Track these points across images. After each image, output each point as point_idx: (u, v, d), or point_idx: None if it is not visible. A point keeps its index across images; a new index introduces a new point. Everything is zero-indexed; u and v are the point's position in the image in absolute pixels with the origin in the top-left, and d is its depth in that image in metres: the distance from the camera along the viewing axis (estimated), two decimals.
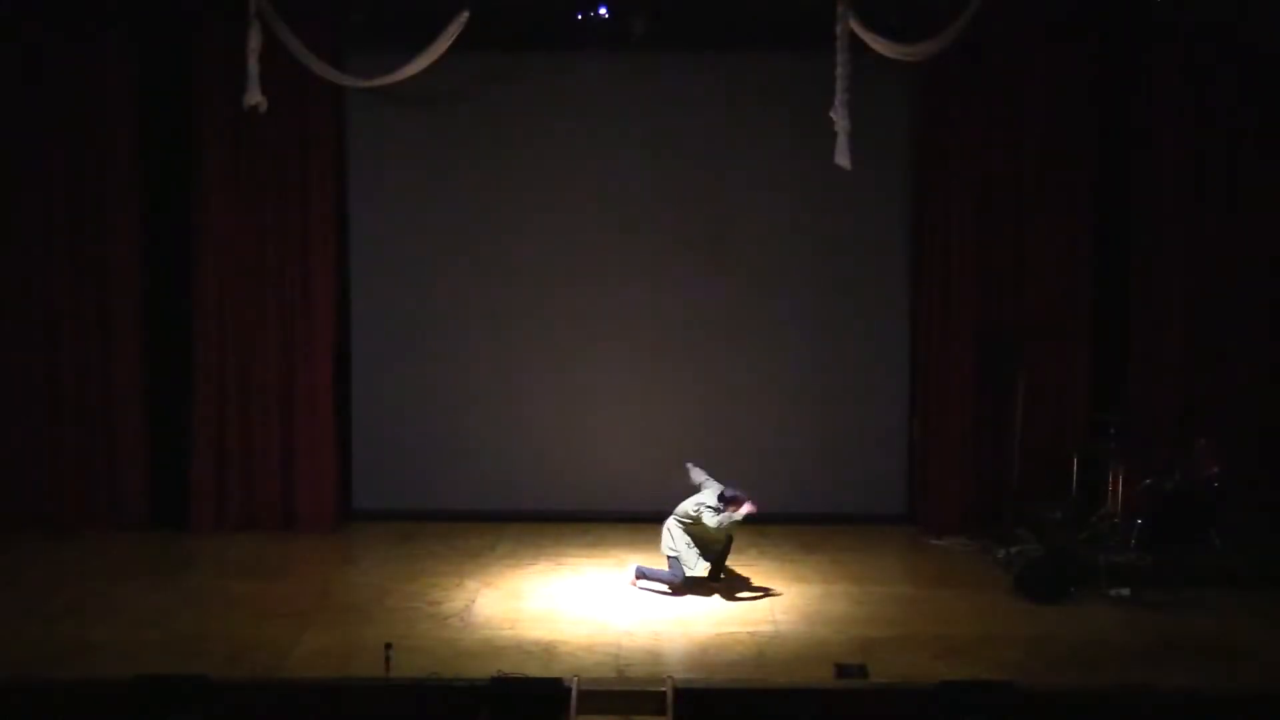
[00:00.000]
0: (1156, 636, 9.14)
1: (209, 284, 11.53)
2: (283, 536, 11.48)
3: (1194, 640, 9.07)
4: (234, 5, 10.19)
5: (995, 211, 11.54)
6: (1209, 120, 11.38)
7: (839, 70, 9.40)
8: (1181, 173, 11.45)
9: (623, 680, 8.22)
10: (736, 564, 10.39)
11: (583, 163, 11.88)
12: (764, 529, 10.98)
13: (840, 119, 9.45)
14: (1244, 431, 11.33)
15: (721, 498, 9.84)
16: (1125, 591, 9.88)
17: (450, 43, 10.20)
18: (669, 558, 9.95)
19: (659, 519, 10.09)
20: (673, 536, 9.94)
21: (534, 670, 8.20)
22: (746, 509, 9.84)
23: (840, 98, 9.43)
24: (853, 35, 9.49)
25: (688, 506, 9.92)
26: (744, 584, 10.18)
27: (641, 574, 10.06)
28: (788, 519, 11.48)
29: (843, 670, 8.18)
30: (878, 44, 9.81)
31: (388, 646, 8.14)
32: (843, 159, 9.51)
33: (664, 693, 7.67)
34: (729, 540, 10.11)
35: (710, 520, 9.79)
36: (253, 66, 9.87)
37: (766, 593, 10.02)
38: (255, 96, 9.95)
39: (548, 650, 8.77)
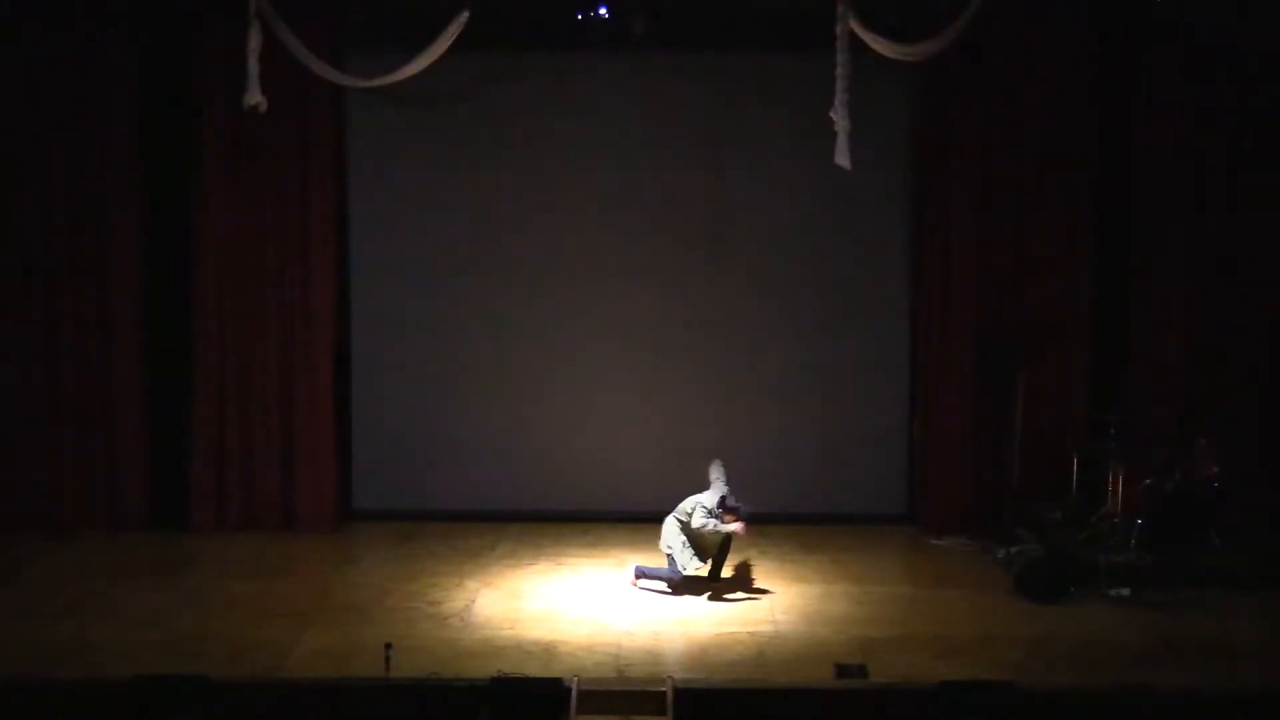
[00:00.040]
0: (1156, 636, 9.14)
1: (209, 284, 11.53)
2: (283, 536, 11.48)
3: (1194, 640, 9.07)
4: (234, 5, 10.19)
5: (995, 211, 11.54)
6: (1209, 120, 11.39)
7: (839, 70, 9.41)
8: (1181, 173, 11.45)
9: (623, 680, 8.22)
10: (736, 564, 10.38)
11: (583, 163, 11.88)
12: (764, 529, 10.96)
13: (840, 119, 9.46)
14: (1244, 431, 11.33)
15: (721, 503, 9.84)
16: (1125, 591, 9.88)
17: (450, 43, 10.20)
18: (667, 555, 9.95)
19: (659, 519, 10.09)
20: (669, 533, 9.94)
21: (534, 670, 8.20)
22: (735, 527, 9.85)
23: (840, 98, 9.43)
24: (853, 35, 9.50)
25: (686, 504, 9.93)
26: (744, 584, 10.18)
27: (641, 573, 10.07)
28: (788, 519, 11.49)
29: (843, 670, 8.18)
30: (878, 44, 9.81)
31: (388, 646, 8.14)
32: (843, 159, 9.52)
33: (664, 693, 7.67)
34: (728, 541, 10.10)
35: (697, 520, 9.81)
36: (253, 66, 9.87)
37: (766, 593, 10.01)
38: (255, 96, 9.95)
39: (548, 650, 8.77)
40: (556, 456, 12.01)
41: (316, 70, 10.53)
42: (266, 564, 10.74)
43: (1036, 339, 11.45)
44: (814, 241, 11.94)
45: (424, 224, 11.95)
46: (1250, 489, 11.03)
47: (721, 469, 10.11)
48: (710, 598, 9.88)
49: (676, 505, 10.02)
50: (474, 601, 9.81)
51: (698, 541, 9.89)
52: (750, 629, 9.25)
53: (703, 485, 10.05)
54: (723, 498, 9.88)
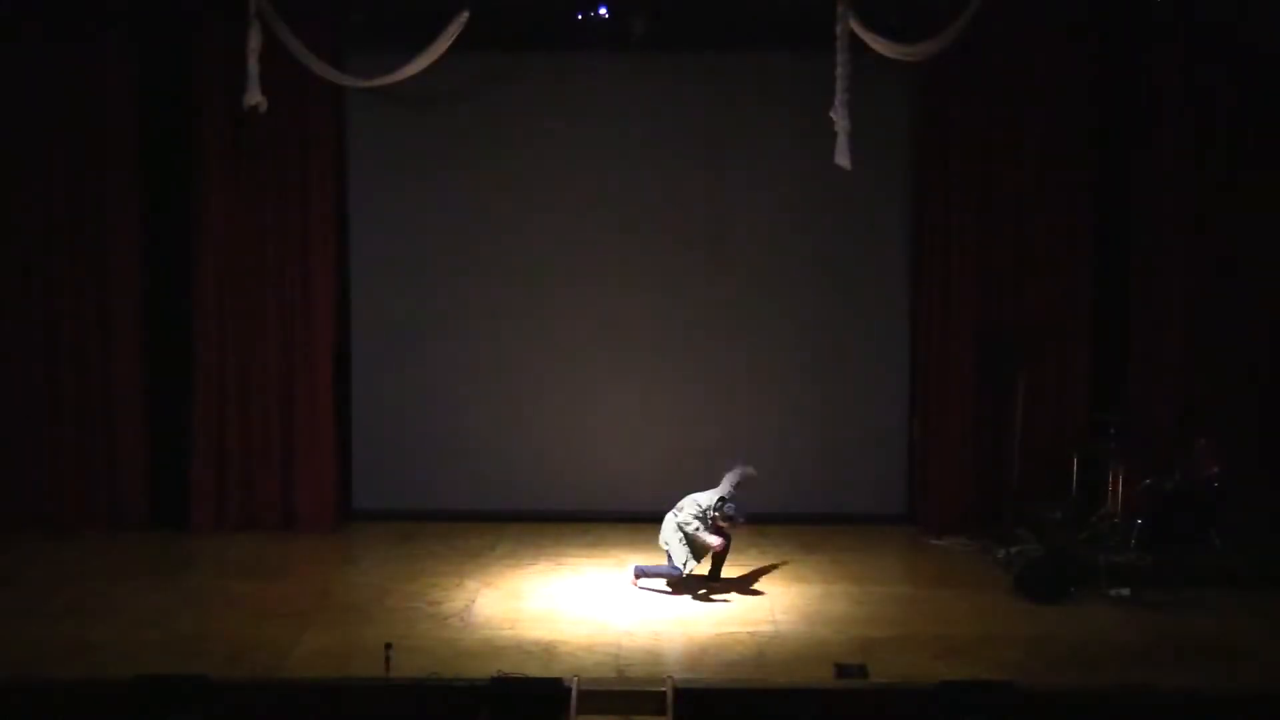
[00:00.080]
0: (1156, 636, 9.14)
1: (209, 284, 11.53)
2: (283, 536, 11.48)
3: (1194, 640, 9.07)
4: (234, 5, 10.20)
5: (995, 211, 11.54)
6: (1209, 120, 11.38)
7: (839, 70, 9.42)
8: (1181, 173, 11.45)
9: (623, 680, 8.22)
10: (736, 564, 10.38)
11: (583, 163, 11.88)
12: (764, 529, 10.98)
13: (840, 119, 9.47)
14: (1244, 431, 11.34)
15: (719, 506, 9.83)
16: (1125, 591, 9.88)
17: (450, 43, 10.20)
18: (666, 551, 9.95)
19: (659, 519, 10.09)
20: (668, 529, 9.94)
21: (534, 670, 8.20)
22: (713, 541, 9.84)
23: (840, 98, 9.44)
24: (853, 35, 9.50)
25: (685, 501, 9.93)
26: (744, 584, 10.18)
27: (640, 572, 10.07)
28: (788, 519, 11.50)
29: (843, 670, 8.18)
30: (878, 44, 9.81)
31: (388, 646, 8.14)
32: (843, 159, 9.52)
33: (664, 693, 7.67)
34: (728, 540, 10.11)
35: (684, 518, 9.84)
36: (253, 66, 9.88)
37: (766, 593, 10.01)
38: (255, 96, 9.96)
39: (548, 650, 8.77)
40: (556, 456, 12.01)
41: (316, 70, 10.53)
42: (266, 564, 10.74)
43: (1036, 339, 11.46)
44: (814, 241, 11.94)
45: (424, 224, 11.95)
46: (1250, 489, 11.04)
47: (739, 474, 10.03)
48: (710, 597, 9.88)
49: (676, 503, 10.02)
50: (474, 601, 9.81)
51: (692, 541, 9.89)
52: (750, 629, 9.25)
53: (704, 484, 10.04)
54: (721, 499, 9.87)
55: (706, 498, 9.91)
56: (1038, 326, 11.49)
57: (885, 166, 11.64)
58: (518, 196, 11.89)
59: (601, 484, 11.90)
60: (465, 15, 10.10)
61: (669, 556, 9.94)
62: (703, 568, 10.04)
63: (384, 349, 12.01)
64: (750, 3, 11.24)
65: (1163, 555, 10.22)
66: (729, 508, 9.85)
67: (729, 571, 10.25)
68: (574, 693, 7.53)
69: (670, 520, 9.96)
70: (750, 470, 10.04)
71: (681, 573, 9.90)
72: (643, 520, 10.77)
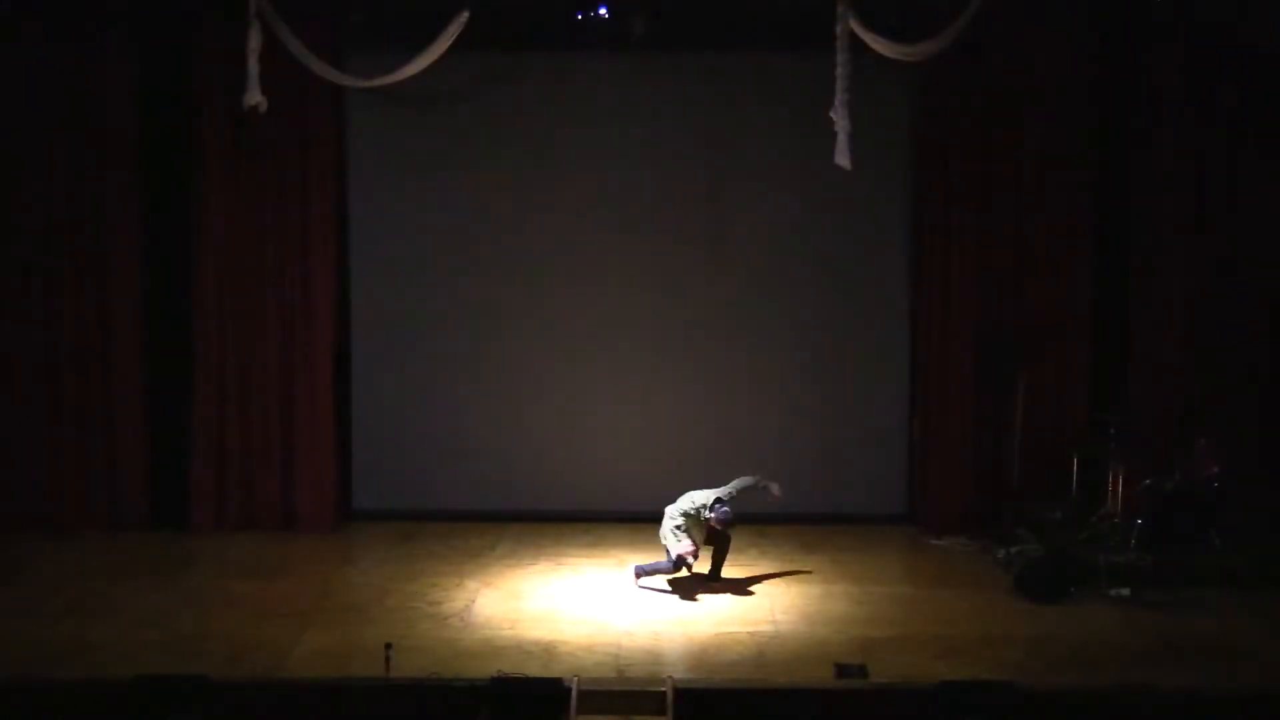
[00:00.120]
0: (1156, 636, 9.14)
1: (209, 284, 11.53)
2: (283, 536, 11.48)
3: (1194, 640, 9.07)
4: (234, 5, 10.20)
5: (995, 211, 11.54)
6: (1209, 120, 11.38)
7: (839, 70, 9.41)
8: (1181, 173, 11.45)
9: (623, 680, 8.22)
10: (736, 564, 10.38)
11: (583, 163, 11.88)
12: (764, 529, 10.99)
13: (840, 119, 9.46)
14: (1244, 431, 11.34)
15: (715, 506, 9.83)
16: (1125, 591, 9.88)
17: (450, 43, 10.20)
18: (664, 545, 9.96)
19: (659, 519, 10.08)
20: (665, 523, 9.95)
21: (534, 670, 8.20)
22: (684, 547, 9.82)
23: (840, 98, 9.44)
24: (853, 35, 9.50)
25: (684, 498, 9.95)
26: (744, 584, 10.18)
27: (641, 571, 10.07)
28: (788, 519, 11.49)
29: (843, 670, 8.19)
30: (878, 44, 9.81)
31: (388, 646, 8.14)
32: (843, 159, 9.52)
33: (664, 693, 7.68)
34: (728, 540, 10.11)
35: (673, 513, 9.85)
36: (253, 66, 9.87)
37: (766, 593, 10.01)
38: (255, 96, 9.95)
39: (548, 650, 8.77)
40: (556, 456, 12.00)
41: (316, 70, 10.52)
42: (266, 564, 10.74)
43: (1036, 339, 11.46)
44: (814, 241, 11.94)
45: (424, 224, 11.95)
46: (1250, 489, 11.04)
47: (749, 481, 10.03)
48: (710, 597, 9.87)
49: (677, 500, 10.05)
50: (474, 601, 9.81)
51: (687, 535, 9.90)
52: (750, 629, 9.25)
53: (704, 484, 10.04)
54: (718, 499, 9.87)
55: (704, 496, 9.91)
56: (1038, 326, 11.49)
57: (885, 166, 11.64)
58: (518, 196, 11.89)
59: (601, 484, 11.90)
60: (465, 15, 10.09)
61: (667, 552, 9.94)
62: (701, 565, 10.04)
63: (384, 349, 12.01)
64: (750, 3, 11.24)
65: (1163, 555, 10.22)
66: (722, 510, 9.84)
67: (729, 571, 10.25)
68: (574, 693, 7.53)
69: (668, 515, 9.97)
70: (767, 485, 10.02)
71: (673, 562, 9.90)
72: (643, 520, 10.76)
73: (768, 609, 9.69)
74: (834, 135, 9.49)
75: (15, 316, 11.49)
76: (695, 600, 9.83)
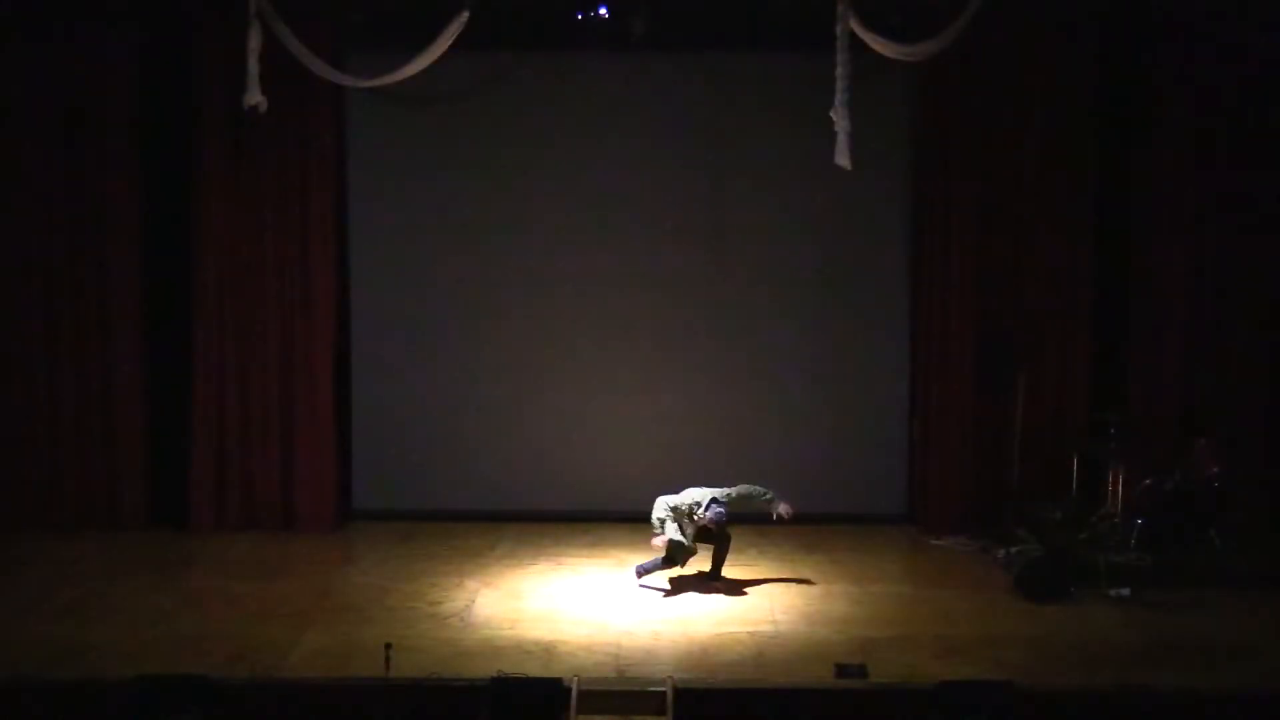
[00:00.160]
0: (1156, 636, 9.13)
1: (209, 284, 11.53)
2: (283, 536, 11.47)
3: (1194, 640, 9.06)
4: (234, 5, 10.20)
5: (995, 211, 11.54)
6: (1210, 120, 11.38)
7: (839, 70, 9.41)
8: (1181, 173, 11.45)
9: (623, 680, 8.21)
10: (736, 564, 10.38)
11: (582, 162, 11.88)
12: (764, 529, 10.97)
13: (840, 119, 9.47)
14: (1244, 431, 11.35)
15: (709, 505, 9.83)
16: (1125, 591, 9.88)
17: (450, 43, 10.19)
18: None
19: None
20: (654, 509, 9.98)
21: (534, 670, 8.19)
22: (658, 541, 9.87)
23: (840, 98, 9.44)
24: (853, 35, 9.50)
25: (682, 494, 9.96)
26: (744, 584, 10.18)
27: (641, 571, 10.07)
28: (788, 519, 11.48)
29: (843, 670, 8.18)
30: (878, 44, 9.81)
31: (388, 646, 8.13)
32: (843, 159, 9.52)
33: (664, 693, 7.69)
34: (727, 540, 10.11)
35: (663, 504, 9.88)
36: (253, 66, 9.88)
37: (766, 593, 10.01)
38: (255, 96, 9.96)
39: (548, 650, 8.76)
40: (556, 456, 12.01)
41: (316, 70, 10.52)
42: (266, 564, 10.73)
43: (1036, 339, 11.46)
44: (814, 241, 11.94)
45: (424, 223, 11.95)
46: (1250, 489, 11.05)
47: (754, 492, 10.00)
48: (710, 597, 9.87)
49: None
50: (474, 601, 9.81)
51: (662, 527, 9.93)
52: (750, 629, 9.24)
53: (704, 484, 10.05)
54: (713, 499, 9.85)
55: (702, 494, 9.90)
56: (1038, 327, 11.49)
57: (885, 166, 11.64)
58: (518, 196, 11.89)
59: (601, 484, 11.89)
60: (465, 15, 10.09)
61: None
62: (702, 564, 10.05)
63: (384, 349, 12.01)
64: (750, 3, 11.24)
65: (1163, 555, 10.24)
66: (716, 509, 9.82)
67: (729, 571, 10.24)
68: (574, 693, 7.54)
69: (657, 504, 9.99)
70: (775, 500, 9.98)
71: (680, 564, 9.91)
72: (643, 520, 10.70)
73: (768, 609, 9.69)
74: (834, 135, 9.49)
75: (15, 316, 11.49)
76: (695, 600, 9.83)
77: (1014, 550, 10.62)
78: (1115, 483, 10.78)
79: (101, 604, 9.62)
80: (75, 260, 11.47)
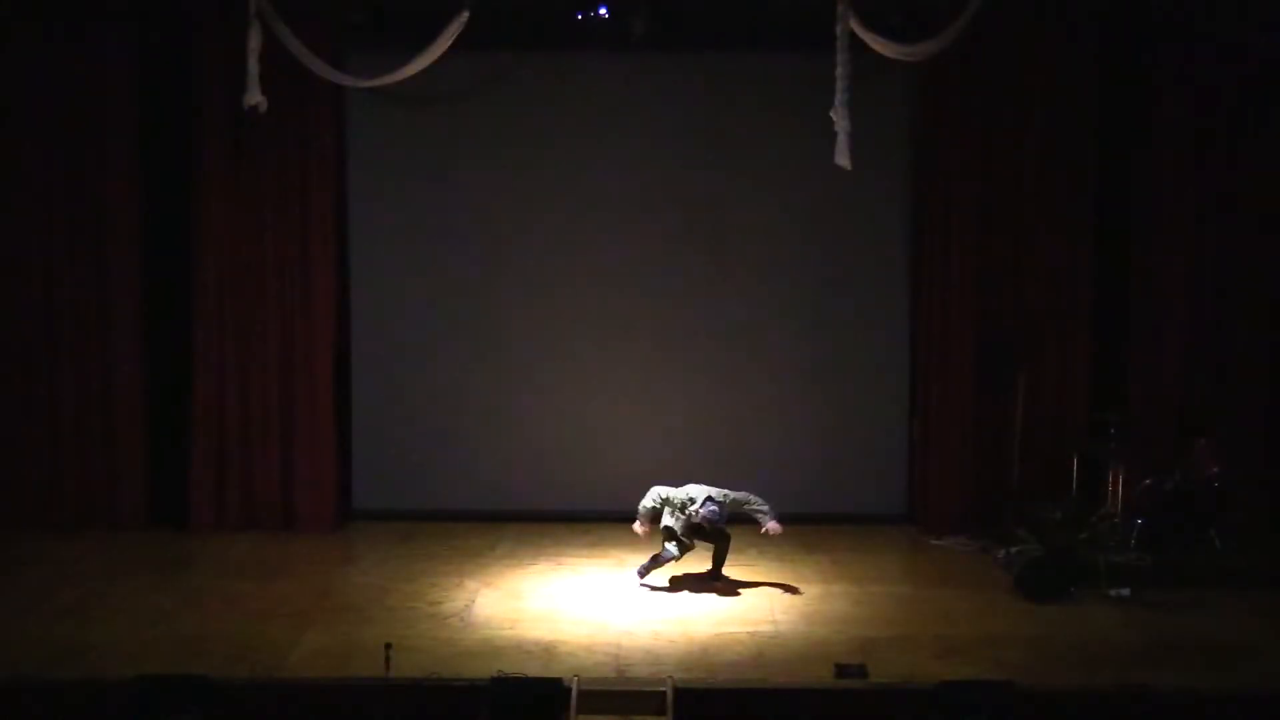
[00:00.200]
0: (1156, 636, 9.13)
1: (209, 284, 11.53)
2: (283, 536, 11.47)
3: (1194, 640, 9.07)
4: (234, 5, 10.20)
5: (995, 211, 11.54)
6: (1210, 120, 11.38)
7: (839, 70, 9.42)
8: (1181, 173, 11.45)
9: (623, 680, 8.21)
10: (736, 564, 10.38)
11: (583, 163, 11.88)
12: None
13: (840, 119, 9.47)
14: (1244, 431, 11.35)
15: (704, 503, 9.83)
16: (1125, 591, 9.88)
17: (450, 43, 10.20)
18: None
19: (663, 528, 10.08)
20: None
21: (534, 670, 8.19)
22: (638, 527, 9.99)
23: (840, 98, 9.45)
24: (853, 35, 9.50)
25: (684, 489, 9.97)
26: (744, 584, 10.18)
27: (643, 571, 10.07)
28: (788, 519, 11.46)
29: (843, 670, 8.18)
30: (878, 44, 9.81)
31: (388, 646, 8.14)
32: (843, 159, 9.52)
33: (664, 693, 7.69)
34: (727, 540, 10.11)
35: (656, 494, 9.95)
36: (253, 66, 9.88)
37: (766, 593, 10.01)
38: (255, 96, 9.96)
39: (548, 650, 8.76)
40: (556, 456, 12.00)
41: (316, 70, 10.52)
42: (266, 564, 10.73)
43: (1036, 339, 11.47)
44: (814, 241, 11.94)
45: (424, 224, 11.95)
46: (1250, 489, 11.05)
47: (752, 503, 9.96)
48: (710, 597, 9.87)
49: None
50: (474, 601, 9.81)
51: (648, 517, 10.02)
52: (750, 629, 9.24)
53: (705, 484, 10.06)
54: (709, 498, 9.85)
55: (699, 491, 9.89)
56: (1038, 327, 11.49)
57: (885, 166, 11.64)
58: (518, 196, 11.89)
59: (601, 484, 11.88)
60: (465, 15, 10.09)
61: (664, 545, 9.98)
62: (700, 563, 10.05)
63: (384, 349, 12.01)
64: (750, 3, 11.24)
65: (1163, 555, 10.24)
66: (710, 508, 9.82)
67: (729, 571, 10.24)
68: (574, 693, 7.54)
69: (650, 492, 10.04)
70: (767, 515, 9.94)
71: (673, 555, 9.92)
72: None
73: (768, 609, 9.69)
74: (834, 135, 9.50)
75: (15, 316, 11.48)
76: (695, 600, 9.83)
77: (1014, 550, 10.62)
78: (1115, 483, 10.78)
79: (101, 604, 9.62)
80: (75, 260, 11.47)
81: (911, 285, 11.89)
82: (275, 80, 10.14)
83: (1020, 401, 11.18)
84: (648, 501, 9.99)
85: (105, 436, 11.58)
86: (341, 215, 11.83)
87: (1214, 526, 10.49)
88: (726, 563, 10.21)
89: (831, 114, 9.49)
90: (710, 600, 9.84)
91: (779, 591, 10.05)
